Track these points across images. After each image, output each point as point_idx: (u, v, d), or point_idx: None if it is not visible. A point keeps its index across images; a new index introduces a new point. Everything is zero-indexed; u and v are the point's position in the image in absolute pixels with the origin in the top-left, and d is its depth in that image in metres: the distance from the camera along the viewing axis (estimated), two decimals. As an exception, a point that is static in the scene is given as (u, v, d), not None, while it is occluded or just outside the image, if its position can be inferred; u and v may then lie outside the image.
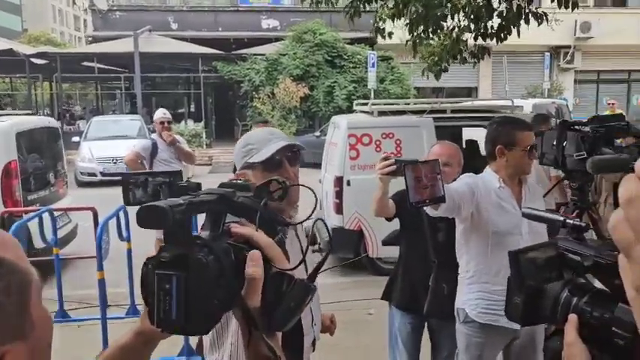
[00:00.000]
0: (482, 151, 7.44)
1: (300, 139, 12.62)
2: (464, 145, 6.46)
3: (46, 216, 4.99)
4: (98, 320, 4.13)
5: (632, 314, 0.53)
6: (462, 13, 5.69)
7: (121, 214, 4.82)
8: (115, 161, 12.51)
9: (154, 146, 5.68)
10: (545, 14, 5.57)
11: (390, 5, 5.87)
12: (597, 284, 0.87)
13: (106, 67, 20.42)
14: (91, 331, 4.35)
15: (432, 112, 6.11)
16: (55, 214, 5.29)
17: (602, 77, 22.35)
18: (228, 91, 20.93)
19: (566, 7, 5.19)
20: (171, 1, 22.49)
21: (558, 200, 3.68)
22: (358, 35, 18.25)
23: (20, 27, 55.03)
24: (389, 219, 2.97)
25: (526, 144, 2.48)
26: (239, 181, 0.89)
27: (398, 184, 2.53)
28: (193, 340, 3.70)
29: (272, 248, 0.79)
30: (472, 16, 5.58)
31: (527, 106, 11.37)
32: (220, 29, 20.79)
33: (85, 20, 42.04)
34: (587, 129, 2.77)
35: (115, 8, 21.04)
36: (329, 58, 18.33)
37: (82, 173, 13.30)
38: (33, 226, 5.04)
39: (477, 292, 2.57)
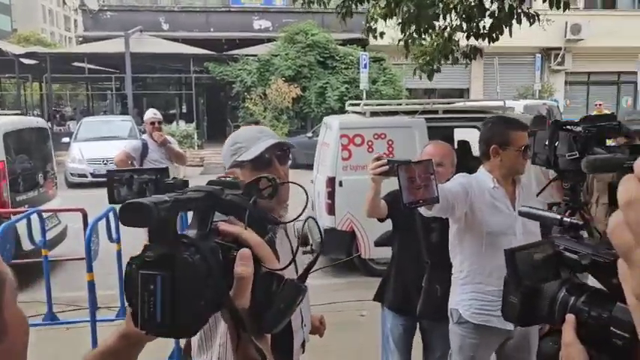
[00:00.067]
0: (475, 152, 7.49)
1: (292, 140, 12.56)
2: (456, 146, 6.46)
3: (34, 217, 4.92)
4: (87, 323, 4.08)
5: (630, 313, 0.51)
6: (453, 13, 5.70)
7: (111, 216, 4.77)
8: (105, 162, 12.41)
9: (145, 147, 5.64)
10: (537, 14, 5.59)
11: (382, 5, 5.87)
12: (589, 282, 0.85)
13: (96, 67, 20.28)
14: (81, 334, 4.30)
15: (424, 112, 6.11)
16: (45, 215, 5.23)
17: (592, 79, 22.52)
18: (220, 91, 20.87)
19: (558, 8, 5.21)
20: (162, 1, 22.37)
21: (554, 199, 3.68)
22: (350, 36, 18.27)
23: (10, 27, 54.56)
24: (381, 220, 2.95)
25: (520, 144, 2.48)
26: (228, 179, 0.87)
27: (390, 184, 2.52)
28: (183, 342, 3.66)
29: (262, 247, 0.77)
30: (464, 16, 5.58)
31: (518, 107, 11.42)
32: (212, 30, 20.72)
33: (75, 20, 41.81)
34: (579, 129, 2.77)
35: (105, 8, 20.91)
36: (321, 59, 18.33)
37: (72, 174, 13.19)
38: (21, 227, 4.97)
39: (471, 292, 2.56)
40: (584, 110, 20.38)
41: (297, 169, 11.75)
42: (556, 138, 2.80)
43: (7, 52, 18.51)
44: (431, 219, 2.79)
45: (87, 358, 0.87)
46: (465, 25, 5.81)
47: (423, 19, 5.41)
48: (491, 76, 20.01)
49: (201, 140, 18.81)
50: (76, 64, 19.60)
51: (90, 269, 4.11)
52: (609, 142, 3.09)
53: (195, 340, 1.26)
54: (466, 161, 5.63)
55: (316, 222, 0.96)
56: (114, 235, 4.90)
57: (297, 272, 0.84)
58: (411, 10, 5.19)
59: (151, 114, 5.88)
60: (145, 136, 5.91)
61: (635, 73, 18.78)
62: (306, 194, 0.94)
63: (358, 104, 6.65)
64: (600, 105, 15.71)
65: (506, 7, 5.56)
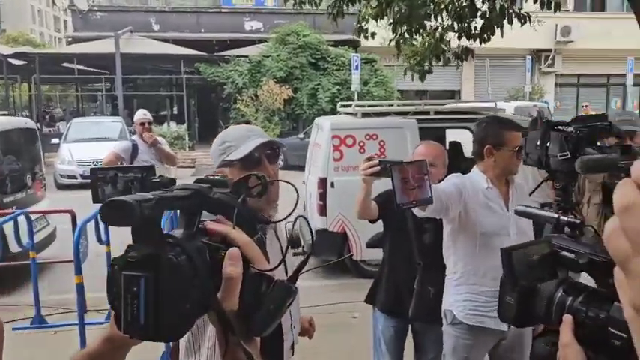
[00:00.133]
0: (466, 153, 7.52)
1: (283, 141, 12.55)
2: (447, 147, 6.46)
3: (22, 219, 4.86)
4: (76, 326, 4.03)
5: None
6: (445, 13, 5.71)
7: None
8: (95, 163, 12.29)
9: (135, 148, 5.59)
10: (529, 15, 5.62)
11: (374, 5, 5.87)
12: (582, 280, 0.84)
13: (86, 68, 20.14)
14: (69, 337, 4.24)
15: (415, 113, 6.10)
16: (33, 217, 5.17)
17: (582, 81, 22.69)
18: (211, 93, 20.78)
19: (549, 9, 5.24)
20: (152, 2, 22.26)
21: (551, 200, 3.68)
22: (342, 37, 18.28)
23: (-2, 27, 54.09)
24: (372, 221, 2.93)
25: (514, 144, 2.47)
26: (216, 177, 0.84)
27: (382, 185, 2.50)
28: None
29: (251, 247, 0.74)
30: (455, 16, 5.59)
31: (509, 109, 11.49)
32: (203, 31, 20.65)
33: (65, 21, 41.53)
34: (570, 129, 2.77)
35: (95, 9, 20.76)
36: (312, 61, 18.32)
37: (61, 176, 13.08)
38: (8, 229, 4.91)
39: (465, 293, 2.55)
40: (574, 112, 20.52)
41: (289, 171, 11.71)
42: (547, 138, 2.80)
43: (-5, 52, 18.35)
44: (424, 220, 2.78)
45: (75, 358, 0.85)
46: (456, 26, 5.82)
47: (415, 19, 5.42)
48: (482, 78, 20.11)
49: (193, 142, 18.73)
50: (65, 64, 19.45)
51: (78, 271, 4.06)
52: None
53: (182, 342, 1.23)
54: (457, 162, 5.64)
55: (307, 221, 0.94)
56: (103, 237, 4.85)
57: (286, 273, 0.82)
58: (403, 10, 5.19)
59: (141, 115, 5.83)
60: (134, 137, 5.86)
61: (623, 75, 18.96)
62: (297, 192, 0.92)
63: (350, 105, 6.64)
64: (587, 106, 15.87)
65: (498, 7, 5.57)
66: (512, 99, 18.40)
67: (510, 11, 5.54)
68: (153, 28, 20.59)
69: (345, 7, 5.88)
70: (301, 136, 15.55)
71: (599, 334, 0.72)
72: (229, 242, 0.73)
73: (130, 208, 0.61)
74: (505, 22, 5.60)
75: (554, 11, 5.33)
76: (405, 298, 2.98)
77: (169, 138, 15.83)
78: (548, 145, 2.78)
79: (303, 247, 6.45)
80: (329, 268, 6.37)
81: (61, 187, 12.76)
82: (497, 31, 5.79)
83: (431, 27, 6.05)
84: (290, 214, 0.87)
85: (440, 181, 2.62)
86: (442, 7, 5.60)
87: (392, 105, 7.59)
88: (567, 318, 0.77)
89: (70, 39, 22.38)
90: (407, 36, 5.94)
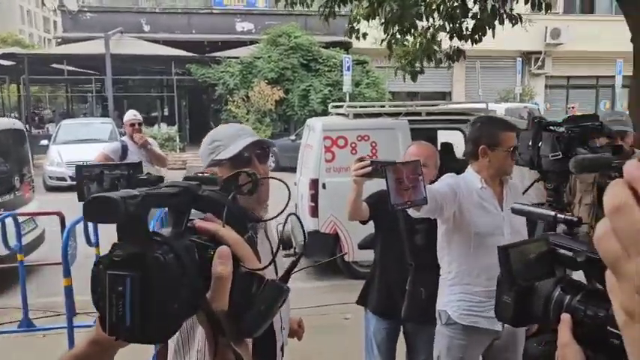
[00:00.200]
0: (457, 154, 7.52)
1: (275, 142, 12.53)
2: (439, 148, 6.47)
3: (10, 221, 4.80)
4: (65, 329, 3.97)
5: None
6: (436, 13, 5.72)
7: (89, 218, 4.65)
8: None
9: (124, 149, 5.53)
10: (520, 16, 5.64)
11: (365, 5, 5.86)
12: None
13: (76, 69, 19.99)
14: (58, 341, 4.19)
15: (407, 114, 6.10)
16: (21, 219, 5.11)
17: (571, 83, 22.87)
18: (202, 94, 20.71)
19: (540, 10, 5.26)
20: (143, 2, 22.15)
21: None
22: (333, 39, 18.30)
23: (-13, 28, 53.60)
24: (363, 222, 2.92)
25: (509, 145, 2.46)
26: (205, 175, 0.82)
27: (374, 186, 2.49)
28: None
29: (241, 246, 0.72)
30: (447, 16, 5.61)
31: (500, 110, 11.54)
32: (194, 32, 20.58)
33: (54, 22, 41.23)
34: (562, 129, 2.77)
35: (85, 9, 20.63)
36: (304, 62, 18.31)
37: (50, 177, 12.96)
38: (-5, 231, 4.84)
39: (459, 293, 2.55)
40: (563, 113, 20.65)
41: (280, 172, 11.69)
42: (539, 138, 2.80)
43: (-17, 53, 18.17)
44: (415, 221, 2.77)
45: (63, 358, 0.83)
46: (447, 26, 5.83)
47: (406, 18, 5.42)
48: (473, 80, 20.20)
49: (184, 143, 18.64)
50: (55, 65, 19.29)
51: (67, 274, 4.01)
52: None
53: (171, 345, 1.21)
54: (449, 163, 5.64)
55: (298, 219, 0.92)
56: (92, 239, 4.79)
57: (277, 275, 0.80)
58: (394, 10, 5.19)
59: (131, 115, 5.78)
60: (124, 138, 5.80)
61: (613, 77, 19.12)
62: (288, 189, 0.90)
63: (341, 106, 6.63)
64: (574, 108, 16.01)
65: (489, 8, 5.59)
66: (502, 100, 18.49)
67: (502, 11, 5.56)
68: (143, 28, 20.48)
69: (336, 8, 5.88)
70: (293, 137, 15.53)
71: (599, 333, 0.71)
72: (219, 241, 0.70)
73: (114, 205, 0.58)
74: (496, 22, 5.62)
75: (545, 12, 5.36)
76: (396, 299, 2.97)
77: (160, 139, 15.74)
78: (539, 145, 2.79)
79: (294, 248, 6.44)
80: (320, 269, 6.35)
81: (50, 188, 12.65)
82: (489, 33, 5.80)
83: (422, 27, 6.06)
84: (282, 212, 0.85)
85: (432, 182, 2.61)
86: (433, 7, 5.61)
87: (383, 106, 7.58)
88: (565, 317, 0.75)
89: (59, 40, 22.21)
90: (398, 36, 5.94)
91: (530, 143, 2.83)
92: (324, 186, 5.86)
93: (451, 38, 6.02)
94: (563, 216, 0.91)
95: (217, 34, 20.14)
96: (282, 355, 1.71)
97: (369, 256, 3.42)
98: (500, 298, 0.83)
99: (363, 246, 3.59)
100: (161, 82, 22.01)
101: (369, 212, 2.81)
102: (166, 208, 0.73)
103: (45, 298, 5.30)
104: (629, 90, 5.95)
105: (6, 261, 4.96)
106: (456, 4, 5.50)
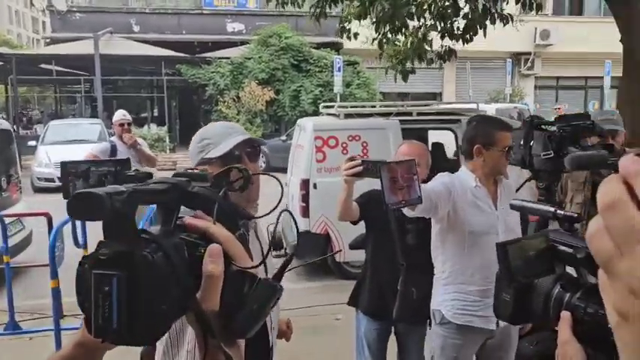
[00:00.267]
0: (448, 154, 7.52)
1: (266, 143, 12.49)
2: (430, 148, 6.48)
3: (-4, 222, 4.73)
4: (52, 332, 3.92)
5: None
6: (427, 13, 5.73)
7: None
8: (73, 166, 12.09)
9: (113, 149, 5.49)
10: (511, 16, 5.67)
11: (356, 4, 5.85)
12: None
13: (65, 69, 19.81)
14: (45, 344, 4.13)
15: (398, 114, 6.10)
16: (8, 220, 5.04)
17: (560, 83, 23.04)
18: (193, 94, 20.60)
19: (530, 10, 5.29)
20: (133, 2, 22.00)
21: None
22: (324, 40, 18.29)
23: (-26, 28, 52.99)
24: (354, 222, 2.90)
25: (504, 144, 2.46)
26: (195, 171, 0.79)
27: (365, 185, 2.47)
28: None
29: (232, 243, 0.69)
30: (438, 16, 5.61)
31: (490, 111, 11.57)
32: (184, 32, 20.47)
33: (43, 22, 40.87)
34: (553, 128, 2.77)
35: (74, 9, 20.43)
36: (295, 62, 18.29)
37: (38, 178, 12.82)
38: (-19, 233, 4.77)
39: (453, 292, 2.54)
40: (552, 114, 20.81)
41: (271, 172, 11.62)
42: (531, 137, 2.80)
43: (-30, 53, 17.95)
44: (406, 220, 2.76)
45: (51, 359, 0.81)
46: (439, 25, 5.84)
47: (398, 18, 5.41)
48: (464, 80, 20.28)
49: (174, 144, 18.54)
50: (43, 66, 19.11)
51: (54, 276, 3.95)
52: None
53: (159, 346, 1.18)
54: (440, 163, 5.65)
55: (292, 215, 0.90)
56: (80, 240, 4.73)
57: (266, 273, 0.77)
58: (386, 9, 5.18)
59: (120, 115, 5.73)
60: (113, 139, 5.75)
61: (601, 77, 19.28)
62: (281, 186, 0.87)
63: (332, 106, 6.62)
64: (559, 109, 16.14)
65: (480, 7, 5.61)
66: (493, 101, 18.60)
67: (493, 11, 5.58)
68: (133, 29, 20.34)
69: (327, 8, 5.86)
70: (283, 137, 15.50)
71: (599, 331, 0.69)
72: (209, 238, 0.68)
73: (99, 201, 0.55)
74: (488, 22, 5.64)
75: (536, 12, 5.39)
76: (388, 299, 2.95)
77: (150, 140, 15.65)
78: (531, 144, 2.79)
79: (285, 248, 6.40)
80: (311, 269, 6.33)
81: (38, 189, 12.52)
82: (480, 33, 5.82)
83: (414, 27, 6.06)
84: (274, 209, 0.83)
85: (423, 181, 2.60)
86: (425, 6, 5.61)
87: (374, 106, 7.58)
88: (565, 315, 0.74)
89: (48, 40, 22.01)
90: (390, 35, 5.94)
91: (521, 142, 2.84)
92: (315, 186, 5.84)
93: (442, 38, 6.03)
94: (562, 212, 0.90)
95: (208, 34, 20.05)
96: (272, 357, 1.68)
97: (360, 256, 3.40)
98: (499, 296, 0.82)
99: (354, 246, 3.57)
100: (151, 83, 21.88)
101: (359, 212, 2.79)
102: (155, 206, 0.71)
103: (32, 301, 5.23)
104: (619, 89, 5.99)
105: (-8, 263, 4.89)
106: (447, 3, 5.51)
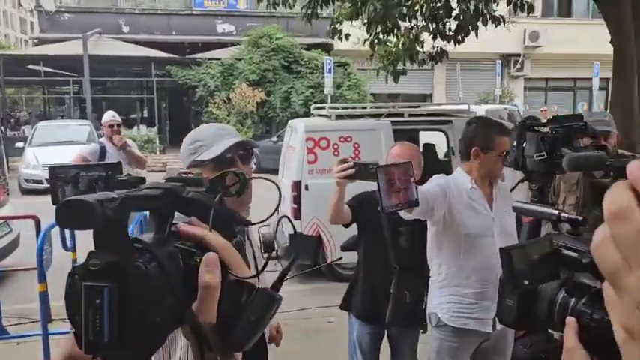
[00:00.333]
0: (440, 155, 7.52)
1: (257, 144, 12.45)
2: (421, 149, 6.48)
3: (-17, 225, 4.66)
4: (40, 336, 3.86)
5: None
6: (419, 14, 5.73)
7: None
8: (62, 168, 11.97)
9: (103, 151, 5.42)
10: (503, 17, 5.69)
11: (348, 5, 5.84)
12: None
13: (53, 70, 19.62)
14: (33, 348, 4.06)
15: (389, 115, 6.10)
16: (-6, 223, 4.96)
17: (549, 85, 23.21)
18: (183, 96, 20.49)
19: (522, 11, 5.31)
20: (122, 3, 21.84)
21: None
22: (315, 41, 18.28)
23: (-39, 28, 52.42)
24: (346, 225, 2.89)
25: (502, 149, 2.46)
26: (189, 175, 0.76)
27: (357, 187, 2.45)
28: None
29: (229, 252, 0.66)
30: (430, 17, 5.62)
31: (480, 112, 11.60)
32: (174, 33, 20.36)
33: (31, 23, 40.48)
34: (546, 130, 2.77)
35: (63, 10, 20.25)
36: (285, 64, 18.25)
37: (26, 180, 12.69)
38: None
39: (449, 295, 2.52)
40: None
41: (262, 174, 11.58)
42: (523, 139, 2.79)
43: (-43, 53, 17.73)
44: (398, 223, 2.75)
45: None
46: (430, 27, 5.85)
47: (390, 18, 5.41)
48: (454, 81, 20.34)
49: (163, 145, 18.44)
50: (31, 66, 18.93)
51: (42, 279, 3.89)
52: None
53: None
54: (431, 164, 5.65)
55: (290, 221, 0.87)
56: (69, 243, 4.67)
57: (258, 279, 0.74)
58: (378, 10, 5.17)
59: (110, 117, 5.67)
60: (102, 140, 5.69)
61: (590, 79, 19.43)
62: (279, 190, 0.85)
63: (323, 107, 6.60)
64: (545, 111, 16.24)
65: (472, 9, 5.62)
66: (482, 102, 18.67)
67: (485, 12, 5.60)
68: (122, 29, 20.19)
69: (318, 9, 5.84)
70: (274, 139, 15.46)
71: (606, 337, 0.67)
72: (205, 246, 0.65)
73: (89, 209, 0.52)
74: (479, 23, 5.66)
75: (528, 14, 5.41)
76: (381, 303, 2.94)
77: (139, 141, 15.55)
78: (524, 145, 2.79)
79: (276, 250, 6.37)
80: (305, 272, 6.29)
81: (26, 192, 12.39)
82: (471, 34, 5.83)
83: (405, 28, 6.07)
84: (272, 214, 0.80)
85: (417, 183, 2.59)
86: (417, 7, 5.61)
87: (365, 107, 7.57)
88: (570, 321, 0.72)
89: (36, 40, 21.77)
90: (381, 36, 5.94)
91: (514, 144, 2.83)
92: (306, 188, 5.81)
93: (434, 39, 6.04)
94: (567, 215, 0.88)
95: (198, 35, 19.96)
96: None
97: (352, 258, 3.39)
98: (503, 301, 0.80)
99: (345, 248, 3.55)
100: (141, 84, 21.73)
101: (351, 215, 2.78)
102: (147, 212, 0.68)
103: (19, 305, 5.16)
104: (611, 91, 6.03)
105: (-21, 266, 4.82)
106: (439, 4, 5.52)
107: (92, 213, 0.52)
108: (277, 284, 0.72)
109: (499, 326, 2.48)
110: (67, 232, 4.64)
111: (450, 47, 6.24)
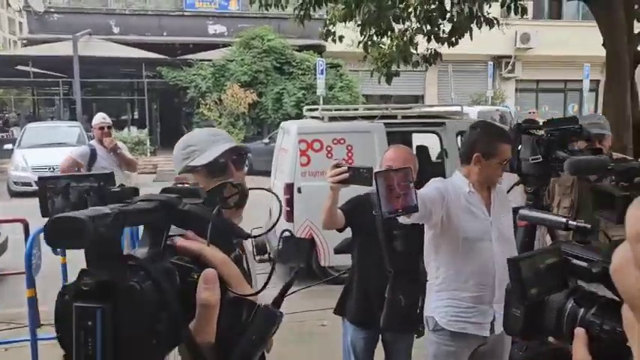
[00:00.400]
0: (433, 157, 7.51)
1: (248, 146, 12.40)
2: (414, 151, 6.47)
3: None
4: (28, 342, 3.79)
5: None
6: (413, 16, 5.73)
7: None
8: (52, 170, 11.84)
9: (93, 153, 5.36)
10: (497, 19, 5.70)
11: (341, 7, 5.82)
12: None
13: (43, 71, 19.44)
14: (21, 354, 4.00)
15: (382, 117, 6.08)
16: (-18, 226, 4.88)
17: (540, 86, 23.35)
18: (174, 97, 20.39)
19: (516, 14, 5.33)
20: (112, 3, 21.69)
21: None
22: (307, 42, 18.25)
23: (-52, 29, 51.86)
24: (339, 230, 2.86)
25: (504, 157, 2.44)
26: (185, 186, 0.73)
27: (351, 191, 2.43)
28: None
29: (228, 267, 0.63)
30: (424, 19, 5.61)
31: (472, 113, 11.65)
32: (165, 34, 20.24)
33: (20, 23, 40.11)
34: (541, 132, 2.76)
35: (52, 10, 20.07)
36: (277, 65, 18.21)
37: (15, 183, 12.55)
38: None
39: (447, 299, 2.51)
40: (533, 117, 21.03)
41: (254, 176, 11.53)
42: (519, 142, 2.78)
43: (-56, 54, 17.53)
44: (393, 226, 2.73)
45: None
46: (425, 28, 5.85)
47: (383, 20, 5.39)
48: (446, 83, 20.41)
49: (154, 147, 18.33)
50: (20, 67, 18.73)
51: (31, 284, 3.83)
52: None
53: None
54: (424, 166, 5.63)
55: (291, 233, 0.84)
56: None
57: (251, 285, 0.71)
58: (372, 11, 5.15)
59: (100, 118, 5.61)
60: (93, 142, 5.63)
61: (580, 81, 19.57)
62: (279, 201, 0.82)
63: (316, 109, 6.57)
64: (534, 112, 16.34)
65: (466, 11, 5.63)
66: (474, 104, 18.75)
67: (479, 14, 5.61)
68: (113, 30, 20.05)
69: (311, 10, 5.82)
70: (266, 140, 15.42)
71: (617, 349, 0.65)
72: (203, 262, 0.62)
73: (80, 227, 0.49)
74: (473, 25, 5.66)
75: (521, 16, 5.43)
76: (375, 307, 2.91)
77: (130, 143, 15.46)
78: (519, 148, 2.77)
79: (269, 253, 6.33)
80: (298, 275, 6.25)
81: (15, 194, 12.26)
82: (464, 37, 5.84)
83: (399, 29, 6.06)
84: (274, 226, 0.77)
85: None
86: (410, 9, 5.61)
87: (358, 109, 7.55)
88: (580, 332, 0.69)
89: (25, 41, 21.57)
90: (375, 38, 5.93)
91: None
92: (299, 190, 5.78)
93: (429, 41, 6.04)
94: (575, 223, 0.86)
95: (189, 36, 19.86)
96: None
97: (345, 261, 3.36)
98: (509, 311, 0.78)
99: (339, 250, 3.51)
100: (131, 85, 21.59)
101: (344, 220, 2.75)
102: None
103: (7, 310, 5.09)
104: (604, 93, 6.05)
105: (-34, 271, 4.74)
106: (433, 6, 5.52)
107: (84, 231, 0.49)
108: (278, 300, 0.69)
109: (497, 330, 2.46)
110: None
111: (443, 49, 6.24)
